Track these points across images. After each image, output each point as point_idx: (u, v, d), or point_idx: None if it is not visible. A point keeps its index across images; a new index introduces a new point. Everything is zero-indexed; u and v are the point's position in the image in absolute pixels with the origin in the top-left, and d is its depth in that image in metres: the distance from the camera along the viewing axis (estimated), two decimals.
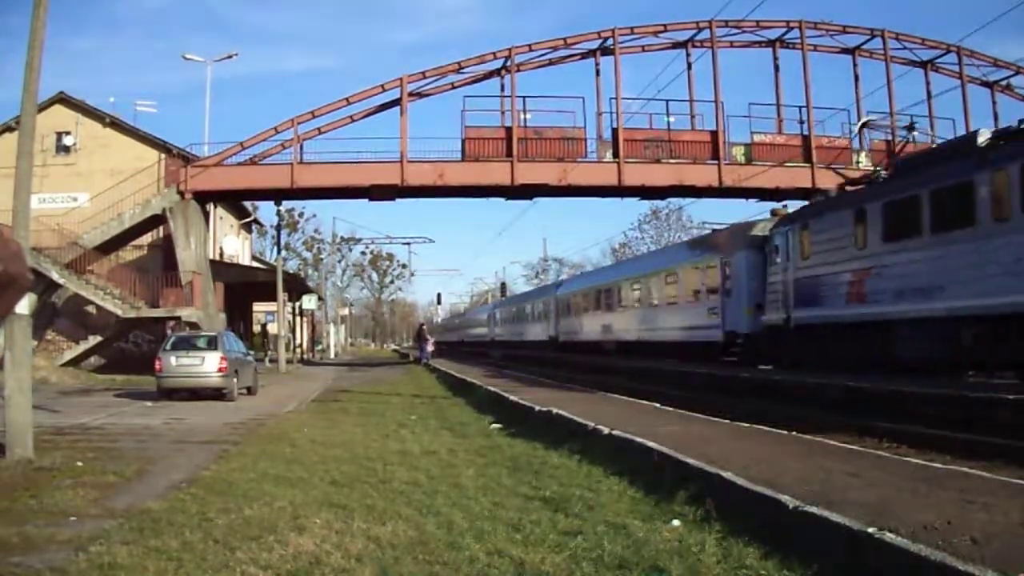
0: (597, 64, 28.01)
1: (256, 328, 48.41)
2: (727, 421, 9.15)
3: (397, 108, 26.82)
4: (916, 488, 4.96)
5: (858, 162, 27.96)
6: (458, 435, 10.33)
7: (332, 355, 61.40)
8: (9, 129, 26.57)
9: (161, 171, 28.20)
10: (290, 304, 41.13)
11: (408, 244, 56.35)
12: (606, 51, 27.67)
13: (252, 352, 23.15)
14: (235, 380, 16.81)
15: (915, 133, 28.58)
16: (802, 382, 14.35)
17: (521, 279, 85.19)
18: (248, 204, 41.06)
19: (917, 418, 9.95)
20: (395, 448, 9.15)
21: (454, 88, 27.68)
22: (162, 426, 12.03)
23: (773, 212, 21.85)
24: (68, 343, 27.28)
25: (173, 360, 16.45)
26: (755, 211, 29.52)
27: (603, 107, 27.47)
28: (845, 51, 28.53)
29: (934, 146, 19.44)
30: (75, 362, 26.48)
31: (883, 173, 17.85)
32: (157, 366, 16.45)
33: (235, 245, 39.63)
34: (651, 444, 6.97)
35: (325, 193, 29.69)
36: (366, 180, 26.76)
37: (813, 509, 4.36)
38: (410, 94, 26.95)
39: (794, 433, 8.03)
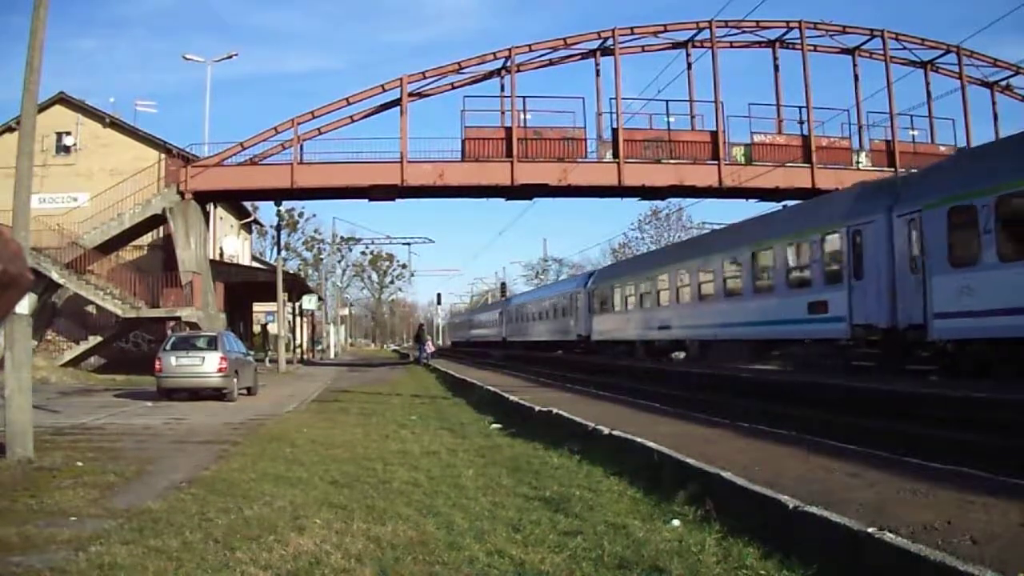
0: (597, 64, 28.05)
1: (256, 328, 48.40)
2: (727, 421, 9.14)
3: (397, 108, 26.86)
4: (916, 488, 4.96)
5: (858, 162, 28.00)
6: (458, 435, 10.31)
7: (332, 355, 61.39)
8: (9, 129, 26.60)
9: (161, 171, 28.19)
10: (290, 304, 41.11)
11: (408, 244, 56.40)
12: (606, 51, 27.69)
13: (252, 352, 23.14)
14: (235, 380, 16.80)
15: (915, 133, 28.70)
16: (802, 382, 14.36)
17: (521, 279, 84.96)
18: (248, 204, 41.09)
19: (917, 418, 9.95)
20: (395, 448, 9.14)
21: (454, 88, 27.74)
22: (162, 426, 12.03)
23: None
24: (68, 343, 27.29)
25: (173, 360, 16.45)
26: (755, 212, 29.45)
27: (603, 107, 27.60)
28: (845, 51, 28.55)
29: None
30: (75, 362, 26.48)
31: None
32: (157, 366, 16.44)
33: (235, 245, 39.62)
34: (651, 444, 6.96)
35: (325, 193, 29.71)
36: (366, 180, 26.78)
37: (813, 509, 4.36)
38: (410, 94, 26.97)
39: (794, 433, 8.03)
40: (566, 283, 43.44)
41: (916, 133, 28.88)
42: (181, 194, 26.25)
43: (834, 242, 16.38)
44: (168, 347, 16.93)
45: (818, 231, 17.00)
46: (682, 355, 24.21)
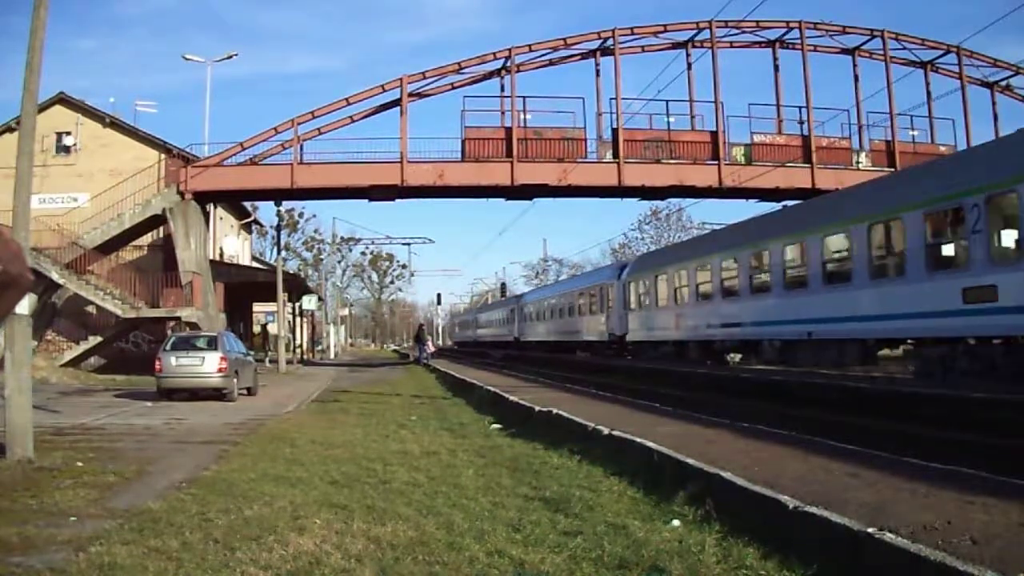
0: (597, 64, 28.06)
1: (256, 328, 48.40)
2: (727, 421, 9.14)
3: (397, 108, 26.87)
4: (916, 488, 4.96)
5: (858, 162, 28.00)
6: (458, 435, 10.32)
7: (332, 355, 61.37)
8: (9, 129, 26.61)
9: (161, 171, 28.21)
10: (290, 304, 41.12)
11: (408, 244, 56.49)
12: (606, 51, 27.70)
13: (252, 352, 23.14)
14: (235, 380, 16.80)
15: (915, 133, 28.73)
16: (802, 382, 14.35)
17: (521, 279, 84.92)
18: (248, 204, 41.09)
19: (917, 418, 9.95)
20: (395, 448, 9.14)
21: (454, 88, 27.74)
22: (162, 426, 12.03)
23: None
24: (68, 343, 27.27)
25: (173, 360, 16.45)
26: (755, 212, 29.44)
27: (603, 107, 27.60)
28: (845, 51, 28.57)
29: None
30: (75, 362, 26.47)
31: None
32: (157, 366, 16.44)
33: (235, 245, 39.63)
34: (651, 444, 6.96)
35: (325, 193, 29.71)
36: (366, 180, 26.78)
37: (813, 509, 4.36)
38: (410, 94, 26.98)
39: (794, 433, 8.03)
40: (593, 274, 37.82)
41: (916, 133, 28.90)
42: (181, 194, 26.25)
43: (1007, 205, 12.03)
44: (168, 347, 16.93)
45: (979, 192, 12.32)
46: (738, 357, 21.01)
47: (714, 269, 21.23)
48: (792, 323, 17.37)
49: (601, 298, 30.90)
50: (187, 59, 39.75)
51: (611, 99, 27.37)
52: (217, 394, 16.40)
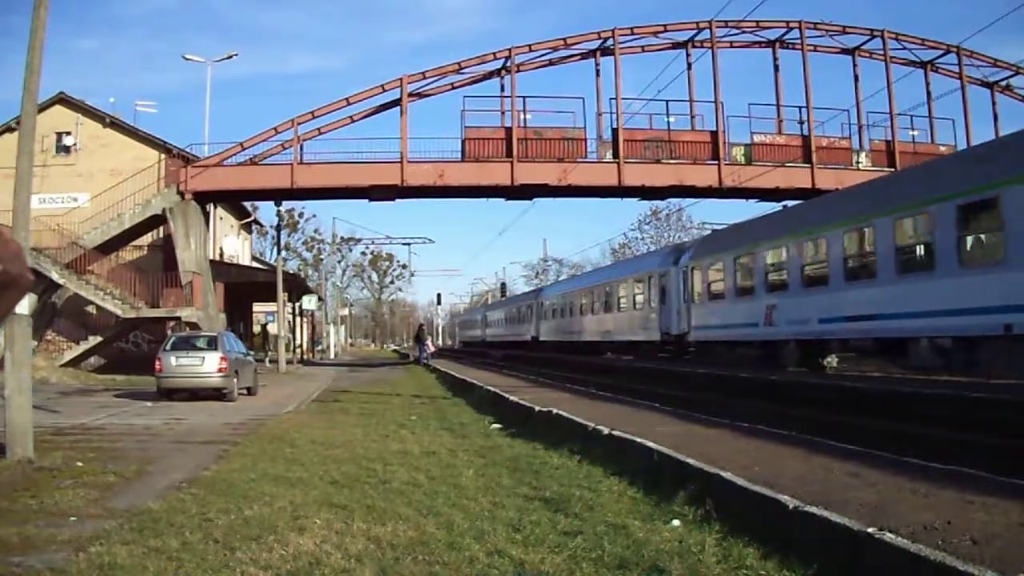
0: (597, 64, 28.06)
1: (256, 328, 48.40)
2: (727, 421, 9.13)
3: (397, 108, 26.87)
4: (916, 488, 4.96)
5: (858, 162, 28.00)
6: (458, 435, 10.31)
7: (332, 355, 61.36)
8: (9, 129, 26.59)
9: (161, 171, 28.21)
10: (290, 304, 41.10)
11: (408, 244, 56.44)
12: (606, 51, 27.71)
13: (252, 352, 23.13)
14: (235, 380, 16.80)
15: (915, 133, 28.72)
16: (802, 382, 14.34)
17: (521, 279, 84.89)
18: (248, 204, 41.08)
19: (917, 418, 9.95)
20: (395, 448, 9.14)
21: (454, 88, 27.75)
22: (162, 426, 12.03)
23: None
24: (68, 343, 27.28)
25: (173, 360, 16.45)
26: (755, 213, 29.40)
27: (603, 107, 27.61)
28: (845, 51, 28.57)
29: None
30: (75, 362, 26.46)
31: None
32: (157, 366, 16.44)
33: (235, 245, 39.62)
34: (651, 444, 6.96)
35: (325, 193, 29.71)
36: (366, 180, 26.79)
37: (813, 509, 4.36)
38: (410, 94, 26.98)
39: (794, 433, 8.02)
40: (638, 261, 32.46)
41: (916, 133, 28.89)
42: (181, 194, 26.25)
43: None
44: (168, 347, 16.93)
45: None
46: (835, 361, 17.38)
47: (833, 243, 16.19)
48: (975, 313, 12.27)
49: (650, 289, 25.87)
50: (187, 59, 39.80)
51: (611, 99, 27.44)
52: (217, 394, 16.40)
